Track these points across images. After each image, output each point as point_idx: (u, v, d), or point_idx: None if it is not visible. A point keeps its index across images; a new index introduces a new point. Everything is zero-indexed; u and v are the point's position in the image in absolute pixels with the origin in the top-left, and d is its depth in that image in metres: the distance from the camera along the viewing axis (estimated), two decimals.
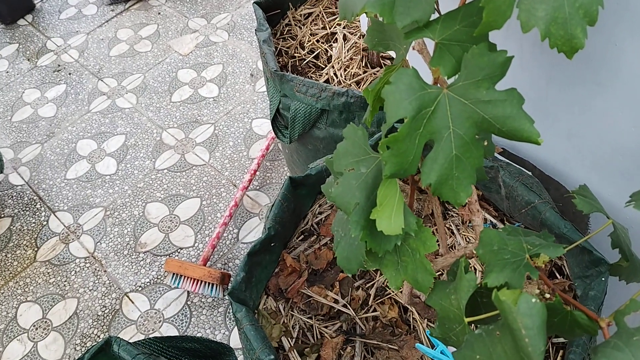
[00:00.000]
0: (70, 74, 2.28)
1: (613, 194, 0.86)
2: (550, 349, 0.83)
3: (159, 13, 2.48)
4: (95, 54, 2.34)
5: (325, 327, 0.90)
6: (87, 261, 1.70)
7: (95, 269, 1.68)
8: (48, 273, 1.69)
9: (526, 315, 0.41)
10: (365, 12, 0.60)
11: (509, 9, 0.44)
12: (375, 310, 0.91)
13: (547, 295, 0.52)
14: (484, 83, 0.49)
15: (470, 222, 0.98)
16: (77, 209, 1.83)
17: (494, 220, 0.97)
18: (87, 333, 1.55)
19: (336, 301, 0.93)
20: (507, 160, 0.94)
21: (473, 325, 0.58)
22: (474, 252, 0.60)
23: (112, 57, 2.31)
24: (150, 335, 1.51)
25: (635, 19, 0.64)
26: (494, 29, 0.45)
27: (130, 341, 0.88)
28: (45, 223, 1.81)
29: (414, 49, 0.63)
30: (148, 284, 1.62)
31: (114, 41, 2.38)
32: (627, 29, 0.66)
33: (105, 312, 1.58)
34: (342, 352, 0.87)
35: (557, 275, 0.90)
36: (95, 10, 2.56)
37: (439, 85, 0.55)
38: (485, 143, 0.62)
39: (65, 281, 1.66)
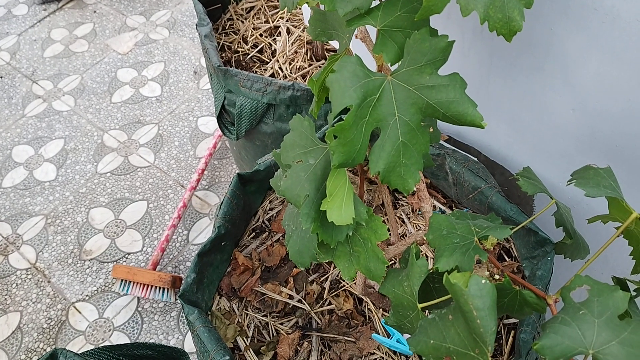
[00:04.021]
0: (1, 77, 2.16)
1: (555, 175, 0.88)
2: (502, 330, 0.85)
3: (95, 11, 2.39)
4: (28, 56, 2.23)
5: (281, 323, 0.89)
6: (29, 272, 1.62)
7: (38, 280, 1.60)
8: None
9: (477, 297, 0.41)
10: (307, 2, 0.59)
11: None
12: (330, 303, 0.91)
13: (497, 277, 0.53)
14: (426, 68, 0.49)
15: (419, 210, 0.99)
16: (16, 218, 1.74)
17: (443, 207, 0.98)
18: (32, 347, 1.48)
19: (291, 297, 0.92)
20: (453, 147, 0.95)
21: (427, 311, 0.58)
22: (425, 238, 0.60)
23: (47, 59, 2.21)
24: (100, 345, 1.46)
25: (564, 1, 0.66)
26: (434, 13, 0.45)
27: (79, 352, 0.84)
28: None
29: (356, 37, 0.63)
30: (95, 292, 1.56)
31: (47, 42, 2.28)
32: (560, 12, 0.68)
33: (51, 324, 1.51)
34: (299, 348, 0.86)
35: (506, 257, 0.92)
36: (26, 10, 2.44)
37: (383, 72, 0.54)
38: (431, 130, 0.63)
39: (6, 294, 1.58)
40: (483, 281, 0.42)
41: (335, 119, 0.85)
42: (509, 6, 0.45)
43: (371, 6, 0.53)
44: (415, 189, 0.66)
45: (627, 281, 0.49)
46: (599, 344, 0.39)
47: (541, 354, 0.39)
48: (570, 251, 0.59)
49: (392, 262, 0.92)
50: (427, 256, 0.93)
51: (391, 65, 0.53)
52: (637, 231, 0.51)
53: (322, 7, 0.57)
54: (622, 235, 0.54)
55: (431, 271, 0.56)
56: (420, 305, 0.53)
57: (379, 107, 0.50)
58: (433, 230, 0.55)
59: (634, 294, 0.48)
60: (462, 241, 0.53)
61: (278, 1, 1.45)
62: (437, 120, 0.58)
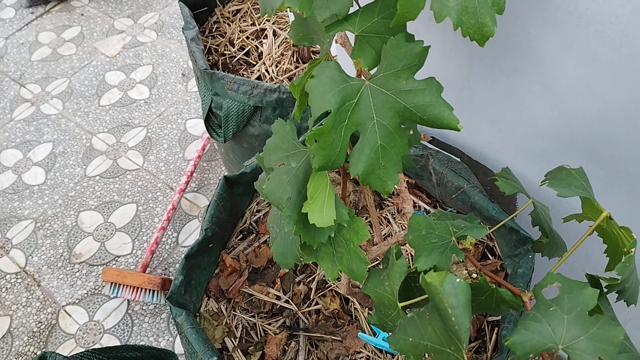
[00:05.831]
0: None
1: (536, 175, 0.90)
2: (486, 327, 0.86)
3: (83, 14, 2.39)
4: (15, 59, 2.22)
5: (269, 324, 0.90)
6: (19, 276, 1.62)
7: (28, 284, 1.60)
8: None
9: (451, 295, 0.42)
10: (288, 7, 0.60)
11: (422, 0, 0.45)
12: (317, 303, 0.92)
13: (474, 275, 0.54)
14: (403, 73, 0.50)
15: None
16: (5, 222, 1.74)
17: (428, 207, 1.00)
18: (23, 351, 1.48)
19: (278, 297, 0.93)
20: (437, 148, 0.97)
21: (408, 309, 0.59)
22: (405, 238, 0.61)
23: (34, 62, 2.21)
24: (90, 348, 1.46)
25: (540, 4, 0.67)
26: (408, 19, 0.46)
27: (69, 355, 0.85)
28: None
29: (336, 42, 0.64)
30: (85, 295, 1.56)
31: (35, 45, 2.27)
32: (536, 15, 0.69)
33: (41, 327, 1.51)
34: (287, 348, 0.87)
35: (490, 256, 0.94)
36: (13, 13, 2.43)
37: (362, 77, 0.56)
38: (411, 132, 0.64)
39: None
40: (457, 280, 0.43)
41: (315, 124, 0.86)
42: (481, 12, 0.46)
43: (350, 12, 0.54)
44: (397, 190, 0.67)
45: (599, 278, 0.50)
46: (568, 339, 0.40)
47: (512, 349, 0.40)
48: (547, 249, 0.60)
49: (377, 261, 0.93)
50: (411, 255, 0.94)
51: (369, 70, 0.54)
52: (609, 230, 0.52)
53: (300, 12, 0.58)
54: (598, 234, 0.55)
55: (412, 270, 0.57)
56: (400, 304, 0.54)
57: (357, 111, 0.51)
58: (412, 231, 0.56)
59: (605, 290, 0.49)
60: (440, 241, 0.54)
61: None
62: None
